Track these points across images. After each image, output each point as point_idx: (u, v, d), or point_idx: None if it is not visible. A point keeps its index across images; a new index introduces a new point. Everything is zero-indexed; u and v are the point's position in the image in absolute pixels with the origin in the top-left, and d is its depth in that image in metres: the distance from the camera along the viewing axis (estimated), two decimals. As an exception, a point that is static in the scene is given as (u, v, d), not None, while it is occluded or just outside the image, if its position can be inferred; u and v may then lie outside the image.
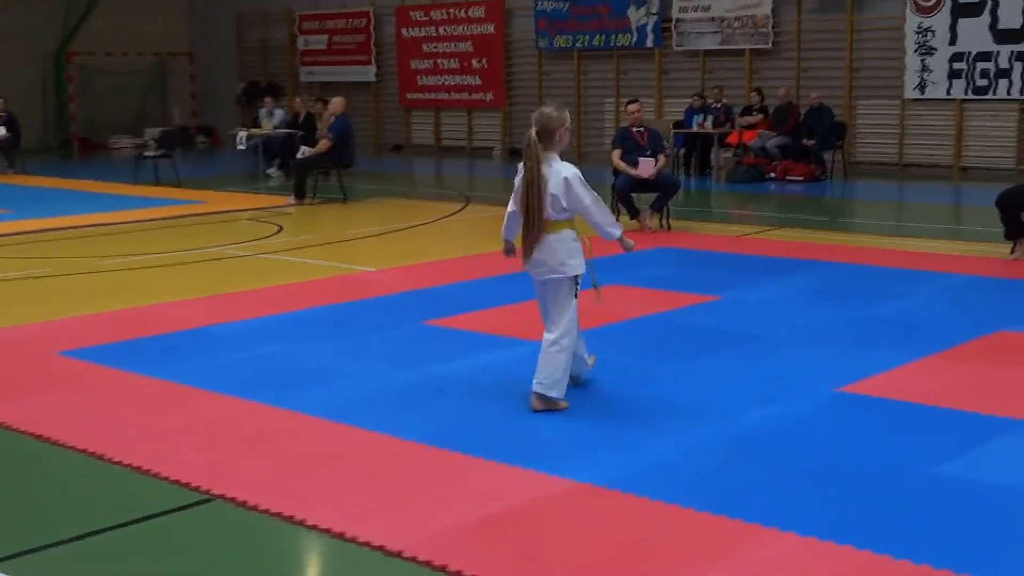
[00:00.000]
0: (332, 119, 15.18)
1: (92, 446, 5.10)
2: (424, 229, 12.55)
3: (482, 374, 6.22)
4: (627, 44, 19.90)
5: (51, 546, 4.08)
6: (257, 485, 4.58)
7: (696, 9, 18.89)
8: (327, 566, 4.04)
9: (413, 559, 3.86)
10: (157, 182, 17.48)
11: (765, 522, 4.08)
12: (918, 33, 16.56)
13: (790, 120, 16.90)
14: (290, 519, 4.24)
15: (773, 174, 16.58)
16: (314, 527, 4.16)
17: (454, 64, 22.57)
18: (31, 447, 5.22)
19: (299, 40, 25.23)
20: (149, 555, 4.01)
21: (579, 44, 20.55)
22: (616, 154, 11.87)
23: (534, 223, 5.49)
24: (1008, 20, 15.76)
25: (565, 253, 5.54)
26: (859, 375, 6.05)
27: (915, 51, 16.65)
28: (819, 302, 7.99)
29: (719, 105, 17.70)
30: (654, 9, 19.41)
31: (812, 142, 16.51)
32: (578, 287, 5.60)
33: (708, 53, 19.05)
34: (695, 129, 17.61)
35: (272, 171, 18.49)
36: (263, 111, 19.74)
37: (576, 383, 5.84)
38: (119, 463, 4.89)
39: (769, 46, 18.27)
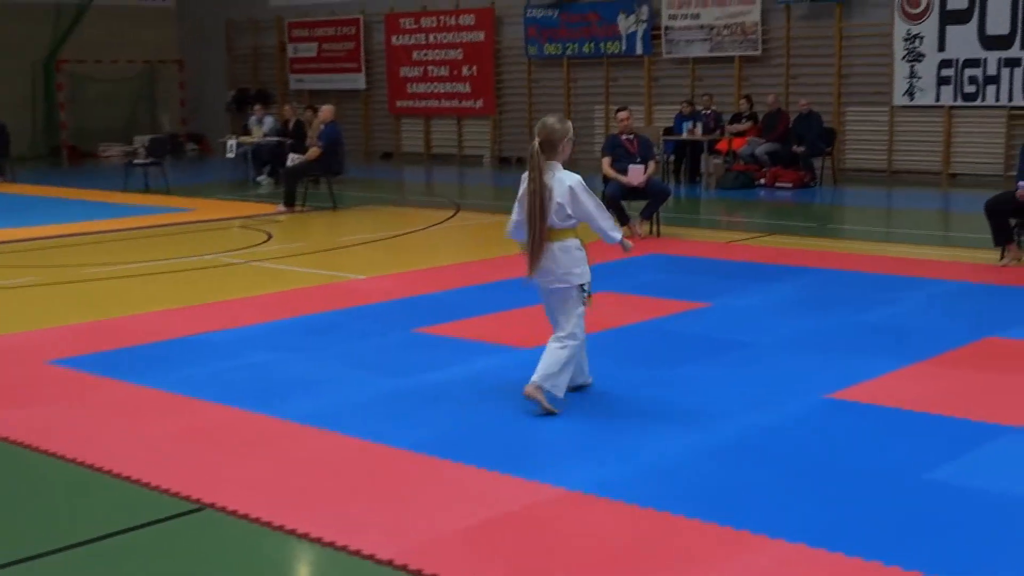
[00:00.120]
0: (322, 127, 15.17)
1: (82, 455, 5.09)
2: (414, 237, 12.55)
3: (472, 381, 6.21)
4: (617, 52, 19.94)
5: (41, 556, 4.06)
6: (248, 494, 4.58)
7: (685, 17, 18.94)
8: (318, 574, 4.03)
9: (404, 567, 3.86)
10: (147, 190, 17.44)
11: (755, 529, 4.09)
12: (906, 40, 16.62)
13: (779, 127, 16.94)
14: (281, 528, 4.23)
15: (763, 181, 16.61)
16: (305, 535, 4.16)
17: (444, 72, 22.58)
18: (20, 456, 5.20)
19: (289, 48, 25.22)
20: (139, 564, 4.00)
21: (569, 52, 20.58)
22: (606, 161, 11.88)
23: (537, 232, 5.51)
24: (996, 27, 15.81)
25: (570, 262, 5.57)
26: (848, 381, 6.06)
27: (904, 58, 16.71)
28: (808, 309, 8.00)
29: (709, 112, 17.73)
30: (644, 17, 19.46)
31: (801, 149, 16.54)
32: (585, 294, 5.61)
33: (697, 60, 19.09)
34: (685, 136, 17.64)
35: (262, 179, 18.48)
36: (253, 119, 19.71)
37: (570, 389, 5.84)
38: (109, 472, 4.87)
39: (758, 53, 18.32)
